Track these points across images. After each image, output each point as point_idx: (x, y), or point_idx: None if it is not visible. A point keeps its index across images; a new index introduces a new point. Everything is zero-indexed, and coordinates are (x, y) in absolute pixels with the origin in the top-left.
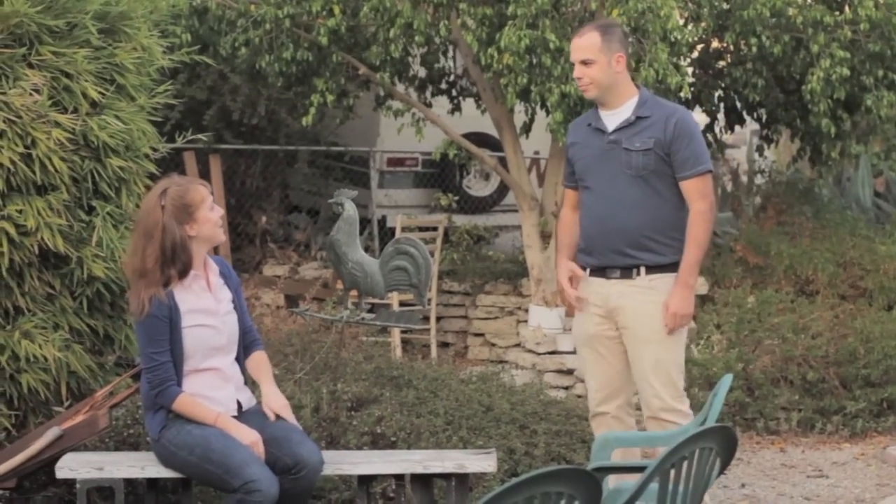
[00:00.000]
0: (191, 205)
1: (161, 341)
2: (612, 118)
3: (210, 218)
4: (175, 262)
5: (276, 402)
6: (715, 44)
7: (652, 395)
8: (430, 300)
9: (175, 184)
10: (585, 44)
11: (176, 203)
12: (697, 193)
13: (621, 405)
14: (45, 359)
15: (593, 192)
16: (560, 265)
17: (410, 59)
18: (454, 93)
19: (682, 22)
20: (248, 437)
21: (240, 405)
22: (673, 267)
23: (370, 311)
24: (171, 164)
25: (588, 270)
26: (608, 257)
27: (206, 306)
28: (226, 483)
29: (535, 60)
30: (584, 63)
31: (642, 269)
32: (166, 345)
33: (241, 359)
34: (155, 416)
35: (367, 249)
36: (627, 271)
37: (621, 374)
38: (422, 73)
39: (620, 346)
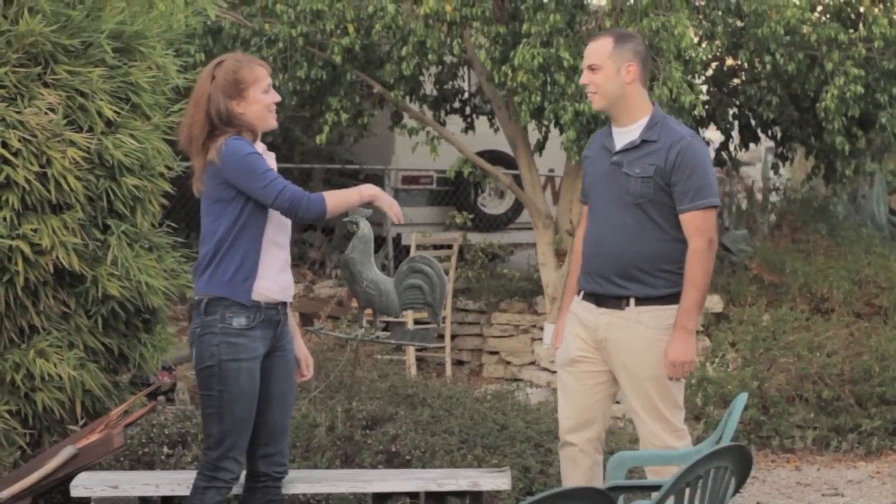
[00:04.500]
0: (242, 81)
1: (270, 170)
2: (621, 137)
3: (260, 99)
4: (229, 132)
5: (304, 351)
6: (729, 62)
7: (647, 433)
8: (444, 318)
9: (233, 58)
10: (595, 49)
11: (227, 77)
12: (694, 229)
13: (591, 439)
14: (60, 377)
15: (593, 213)
16: (560, 317)
17: (423, 78)
18: (467, 111)
19: (696, 40)
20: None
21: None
22: (663, 300)
23: (385, 329)
24: (185, 182)
25: (581, 293)
26: (599, 284)
27: None
28: (209, 443)
29: (548, 78)
30: (591, 69)
31: (632, 301)
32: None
33: None
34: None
35: (382, 268)
36: (617, 301)
37: (596, 405)
38: (434, 92)
39: (601, 375)
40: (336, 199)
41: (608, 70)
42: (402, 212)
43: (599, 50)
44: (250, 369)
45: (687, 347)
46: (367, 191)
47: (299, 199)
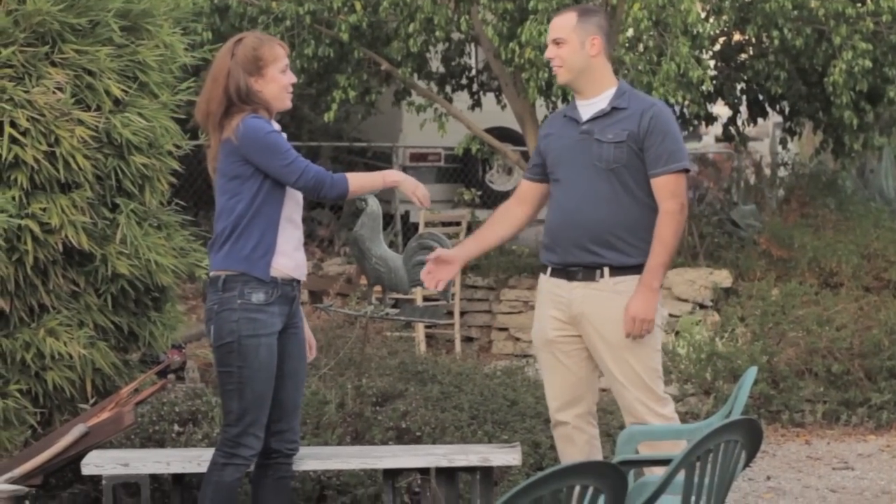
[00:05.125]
0: (261, 59)
1: (292, 149)
2: (587, 108)
3: (278, 78)
4: (246, 109)
5: (308, 333)
6: (737, 36)
7: (631, 399)
8: (453, 295)
9: (253, 36)
10: (559, 23)
11: (247, 53)
12: (668, 192)
13: (581, 414)
14: (70, 356)
15: (562, 184)
16: (457, 248)
17: (429, 55)
18: (474, 88)
19: (703, 15)
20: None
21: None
22: (639, 269)
23: (394, 306)
24: (194, 161)
25: (549, 270)
26: (571, 254)
27: None
28: (229, 419)
29: None
30: (556, 43)
31: (606, 271)
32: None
33: None
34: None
35: (390, 245)
36: (590, 272)
37: (582, 381)
38: (441, 69)
39: (582, 352)
40: (359, 181)
41: (573, 44)
42: (427, 194)
43: (564, 24)
44: (269, 345)
45: (649, 305)
46: (391, 176)
47: (323, 178)
